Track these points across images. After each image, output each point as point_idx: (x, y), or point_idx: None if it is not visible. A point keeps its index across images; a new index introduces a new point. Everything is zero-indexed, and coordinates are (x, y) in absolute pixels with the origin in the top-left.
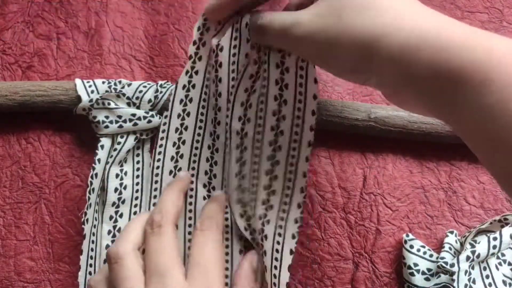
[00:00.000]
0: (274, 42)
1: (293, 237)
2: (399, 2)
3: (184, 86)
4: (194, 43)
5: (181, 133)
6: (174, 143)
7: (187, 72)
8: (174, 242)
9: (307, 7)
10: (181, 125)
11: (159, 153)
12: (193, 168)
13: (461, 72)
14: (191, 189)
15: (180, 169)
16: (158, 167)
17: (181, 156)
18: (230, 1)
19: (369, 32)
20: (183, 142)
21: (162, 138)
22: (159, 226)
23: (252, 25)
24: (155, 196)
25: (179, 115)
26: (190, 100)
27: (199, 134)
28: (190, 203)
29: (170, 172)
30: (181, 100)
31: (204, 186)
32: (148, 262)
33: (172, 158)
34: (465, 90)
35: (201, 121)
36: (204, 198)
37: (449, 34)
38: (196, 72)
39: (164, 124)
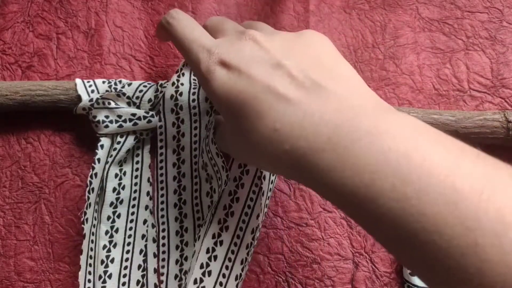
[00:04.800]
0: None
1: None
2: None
3: (172, 96)
4: (177, 71)
5: (179, 140)
6: (174, 150)
7: (173, 83)
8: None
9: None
10: (178, 132)
11: (161, 161)
12: (196, 174)
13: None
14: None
15: (183, 175)
16: (162, 174)
17: (183, 162)
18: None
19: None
20: (182, 149)
21: (161, 147)
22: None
23: None
24: (162, 202)
25: (173, 124)
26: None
27: (195, 142)
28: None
29: (174, 178)
30: (172, 109)
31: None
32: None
33: (174, 164)
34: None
35: (195, 128)
36: (208, 194)
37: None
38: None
39: (161, 134)
